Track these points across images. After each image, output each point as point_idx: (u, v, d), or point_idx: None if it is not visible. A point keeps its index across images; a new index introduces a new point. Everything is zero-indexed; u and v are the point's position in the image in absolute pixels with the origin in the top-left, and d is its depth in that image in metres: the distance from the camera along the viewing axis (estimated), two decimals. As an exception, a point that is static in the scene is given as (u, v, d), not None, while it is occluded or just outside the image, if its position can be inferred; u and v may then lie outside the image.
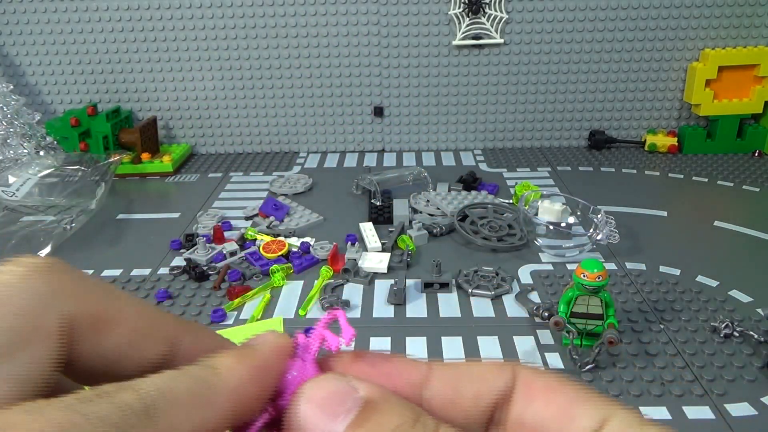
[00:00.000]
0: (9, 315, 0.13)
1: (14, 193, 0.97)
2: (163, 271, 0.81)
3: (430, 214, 0.96)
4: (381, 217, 0.94)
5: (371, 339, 0.67)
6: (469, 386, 0.16)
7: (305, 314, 0.71)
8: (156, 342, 0.16)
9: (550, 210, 0.89)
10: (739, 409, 0.56)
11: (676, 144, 1.22)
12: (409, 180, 1.03)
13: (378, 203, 0.98)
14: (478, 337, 0.66)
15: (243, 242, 0.87)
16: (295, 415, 0.15)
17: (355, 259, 0.80)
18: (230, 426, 0.15)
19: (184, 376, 0.14)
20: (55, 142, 1.13)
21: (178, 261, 0.83)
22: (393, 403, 0.15)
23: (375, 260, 0.80)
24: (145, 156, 1.17)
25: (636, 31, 1.19)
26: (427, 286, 0.75)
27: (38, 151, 1.10)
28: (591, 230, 0.85)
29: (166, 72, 1.24)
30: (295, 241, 0.86)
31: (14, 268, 0.14)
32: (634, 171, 1.14)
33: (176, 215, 0.99)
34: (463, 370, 0.17)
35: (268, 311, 0.72)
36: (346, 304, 0.72)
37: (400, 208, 0.93)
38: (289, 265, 0.80)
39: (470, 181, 1.05)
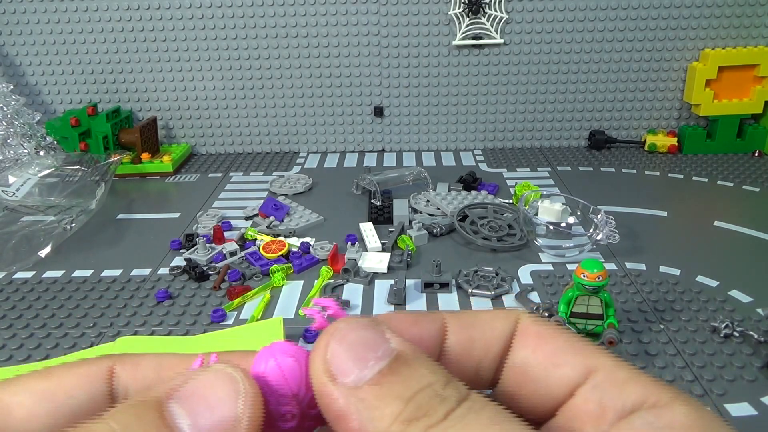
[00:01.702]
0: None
1: (14, 193, 0.97)
2: (163, 271, 0.81)
3: (430, 214, 0.96)
4: (381, 217, 0.94)
5: (371, 339, 0.67)
6: (480, 335, 0.16)
7: (305, 314, 0.71)
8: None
9: (550, 210, 0.88)
10: (739, 409, 0.56)
11: (676, 144, 1.22)
12: (409, 180, 1.03)
13: (378, 203, 0.98)
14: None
15: (243, 242, 0.87)
16: (320, 353, 0.14)
17: (355, 259, 0.80)
18: None
19: None
20: (55, 142, 1.13)
21: (178, 261, 0.83)
22: (425, 362, 0.14)
23: (375, 260, 0.80)
24: (145, 156, 1.17)
25: (636, 31, 1.19)
26: (427, 286, 0.75)
27: (38, 151, 1.11)
28: (591, 230, 0.85)
29: (166, 72, 1.24)
30: (295, 241, 0.86)
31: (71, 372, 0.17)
32: (634, 171, 1.14)
33: (176, 215, 0.99)
34: (473, 320, 0.17)
35: (268, 311, 0.72)
36: (346, 304, 0.72)
37: (400, 208, 0.93)
38: (289, 265, 0.80)
39: (470, 181, 1.05)
